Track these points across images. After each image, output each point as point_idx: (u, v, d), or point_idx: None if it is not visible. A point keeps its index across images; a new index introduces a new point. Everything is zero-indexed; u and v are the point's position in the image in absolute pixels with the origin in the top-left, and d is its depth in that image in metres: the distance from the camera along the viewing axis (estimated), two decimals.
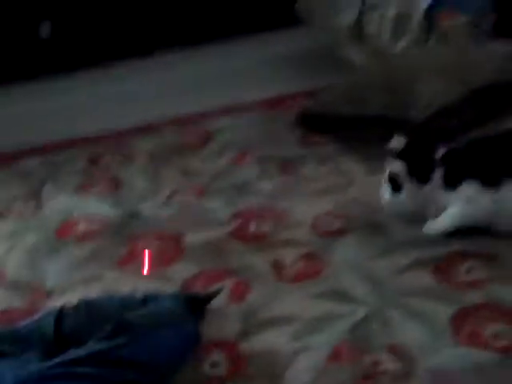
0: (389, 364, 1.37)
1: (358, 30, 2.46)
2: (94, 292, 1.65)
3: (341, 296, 1.56)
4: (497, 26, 2.61)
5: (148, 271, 1.74)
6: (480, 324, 1.44)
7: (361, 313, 1.50)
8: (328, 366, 1.39)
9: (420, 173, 1.68)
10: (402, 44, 2.48)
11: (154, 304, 1.54)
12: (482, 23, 2.60)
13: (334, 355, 1.41)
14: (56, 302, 1.60)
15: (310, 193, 1.94)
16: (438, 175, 1.66)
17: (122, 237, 1.87)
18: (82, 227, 1.94)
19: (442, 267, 1.59)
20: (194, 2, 2.77)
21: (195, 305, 1.55)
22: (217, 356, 1.46)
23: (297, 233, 1.79)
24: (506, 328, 1.42)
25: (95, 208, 2.01)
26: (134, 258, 1.79)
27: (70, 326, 1.48)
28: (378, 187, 1.76)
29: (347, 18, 2.47)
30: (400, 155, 1.70)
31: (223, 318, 1.55)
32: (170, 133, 2.33)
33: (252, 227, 1.84)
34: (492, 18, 2.59)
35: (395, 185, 1.70)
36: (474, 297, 1.50)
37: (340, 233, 1.76)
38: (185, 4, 2.77)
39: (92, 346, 1.40)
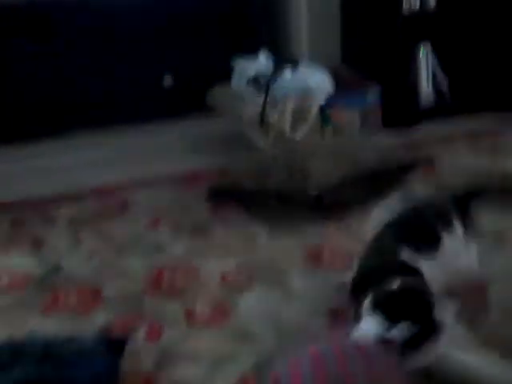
0: None
1: (262, 120, 2.76)
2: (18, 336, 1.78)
3: (246, 337, 1.77)
4: (384, 119, 3.00)
5: None
6: None
7: (264, 350, 1.70)
8: None
9: None
10: (300, 133, 2.81)
11: (77, 342, 1.70)
12: (369, 117, 2.97)
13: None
14: None
15: (218, 252, 2.16)
16: None
17: (45, 288, 2.01)
18: (5, 280, 2.07)
19: (335, 311, 1.83)
20: (123, 88, 3.05)
21: (114, 344, 1.72)
22: None
23: (206, 285, 2.00)
24: None
25: (18, 263, 2.15)
26: (56, 307, 1.94)
27: None
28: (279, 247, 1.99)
29: (253, 108, 2.77)
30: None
31: (141, 355, 1.72)
32: (91, 200, 2.51)
33: (165, 281, 2.04)
34: (379, 113, 2.97)
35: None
36: None
37: (245, 285, 1.98)
38: (115, 90, 3.03)
39: (19, 373, 1.54)
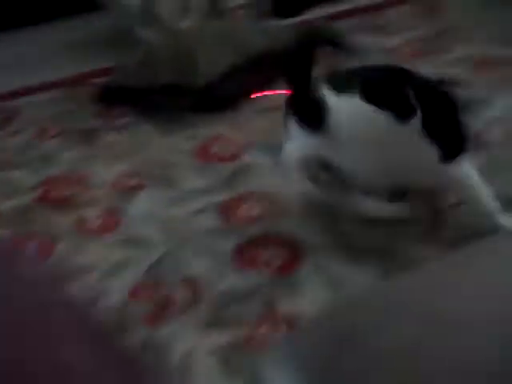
0: (181, 294, 1.58)
1: (148, 12, 2.63)
2: None
3: (137, 243, 1.74)
4: (274, 8, 2.89)
5: None
6: (257, 251, 1.69)
7: (156, 255, 1.68)
8: (128, 303, 1.57)
9: None
10: (187, 22, 2.70)
11: None
12: (259, 5, 2.87)
13: (133, 293, 1.60)
14: None
15: (108, 158, 2.10)
16: None
17: None
18: None
19: (226, 209, 1.82)
20: None
21: None
22: None
23: (97, 193, 1.95)
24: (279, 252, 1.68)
25: None
26: None
27: None
28: (169, 146, 1.93)
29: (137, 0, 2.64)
30: None
31: None
32: None
33: (56, 192, 1.98)
34: (269, 1, 2.87)
35: None
36: (253, 231, 1.75)
37: (136, 188, 1.94)
38: None
39: None
